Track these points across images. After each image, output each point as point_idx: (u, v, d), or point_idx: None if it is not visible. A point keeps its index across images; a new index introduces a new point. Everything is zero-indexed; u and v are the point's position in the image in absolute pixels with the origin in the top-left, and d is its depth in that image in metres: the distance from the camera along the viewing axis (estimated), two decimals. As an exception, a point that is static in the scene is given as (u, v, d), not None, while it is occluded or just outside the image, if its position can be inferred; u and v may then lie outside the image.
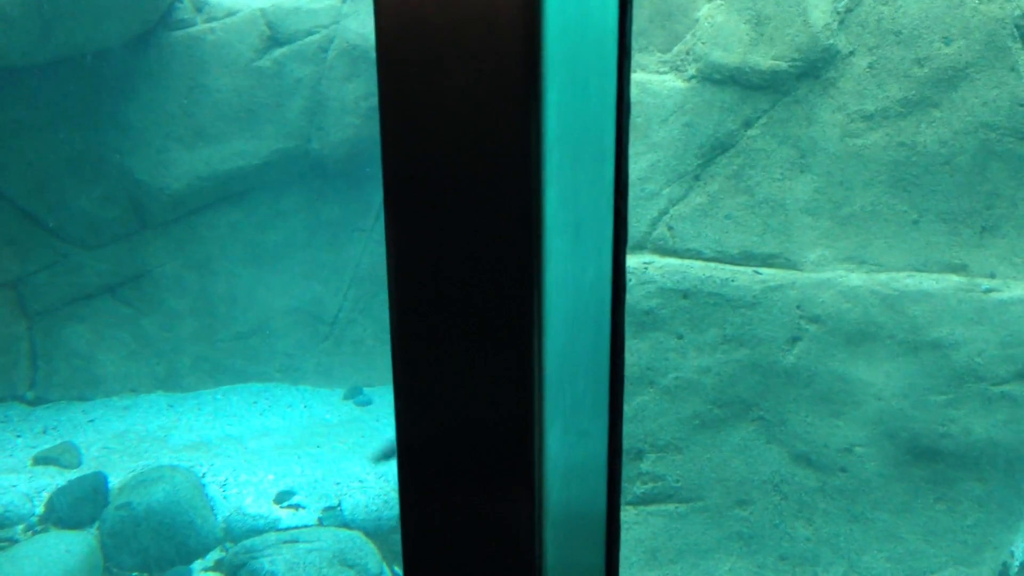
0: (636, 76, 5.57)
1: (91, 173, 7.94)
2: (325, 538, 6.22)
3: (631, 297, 5.50)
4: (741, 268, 5.52)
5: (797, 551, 5.68)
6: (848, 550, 5.63)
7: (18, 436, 7.57)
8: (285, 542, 6.16)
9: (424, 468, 0.81)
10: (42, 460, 7.10)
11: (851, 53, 5.36)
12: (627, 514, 5.71)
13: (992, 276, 5.36)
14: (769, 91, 5.46)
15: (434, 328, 0.78)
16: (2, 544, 6.34)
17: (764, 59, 5.41)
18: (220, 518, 6.50)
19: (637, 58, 5.62)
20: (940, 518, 5.52)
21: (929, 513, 5.53)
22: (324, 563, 6.03)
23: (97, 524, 6.42)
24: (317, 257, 8.46)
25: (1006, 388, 5.36)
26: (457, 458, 0.79)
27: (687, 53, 5.58)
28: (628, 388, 5.61)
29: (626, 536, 5.67)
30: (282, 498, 6.62)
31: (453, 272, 0.76)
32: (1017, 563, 5.60)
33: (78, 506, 6.51)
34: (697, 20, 5.56)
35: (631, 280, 5.52)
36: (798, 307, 5.47)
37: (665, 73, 5.61)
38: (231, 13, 7.98)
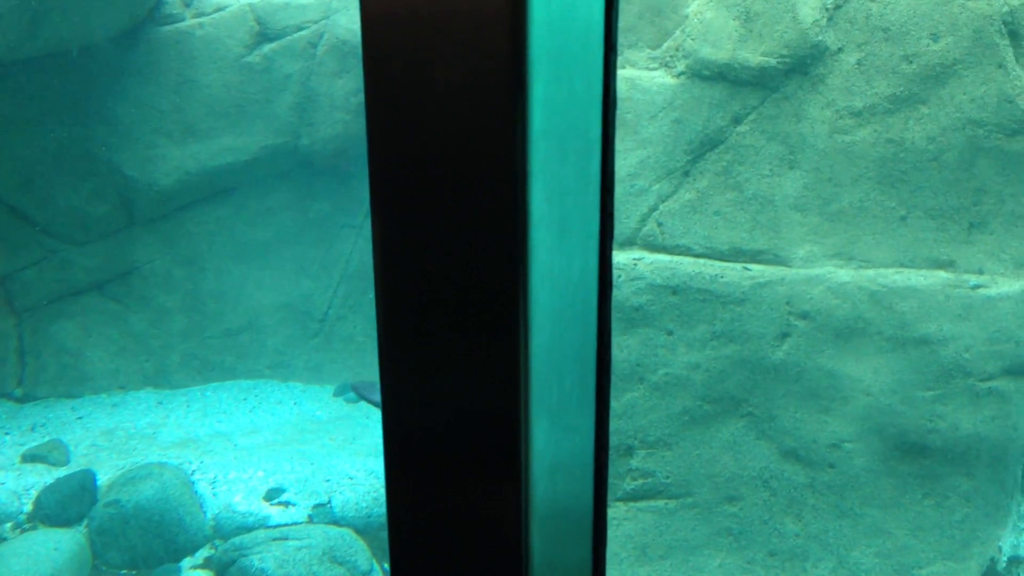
0: (625, 72, 5.57)
1: (79, 169, 7.90)
2: (315, 535, 6.22)
3: (620, 293, 5.51)
4: (730, 264, 5.53)
5: (786, 547, 5.70)
6: (837, 546, 5.66)
7: (6, 434, 7.53)
8: (275, 539, 6.15)
9: (411, 463, 0.81)
10: (30, 458, 7.07)
11: (840, 50, 5.38)
12: (617, 510, 5.72)
13: (980, 272, 5.39)
14: (758, 87, 5.46)
15: (421, 323, 0.78)
16: (-10, 542, 6.31)
17: (753, 55, 5.42)
18: (209, 515, 6.49)
19: (626, 54, 5.62)
20: (928, 513, 5.55)
21: (917, 508, 5.56)
22: (314, 560, 6.02)
23: (86, 522, 6.40)
24: (307, 253, 8.44)
25: (993, 384, 5.38)
26: (444, 453, 0.79)
27: (676, 49, 5.58)
28: (618, 385, 5.62)
29: (616, 532, 5.68)
30: (272, 495, 6.61)
31: (439, 267, 0.76)
32: (1004, 558, 5.64)
33: (66, 504, 6.48)
34: (686, 16, 5.56)
35: (620, 276, 5.53)
36: (787, 303, 5.48)
37: (654, 69, 5.61)
38: (220, 8, 7.95)
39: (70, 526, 6.39)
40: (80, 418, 7.82)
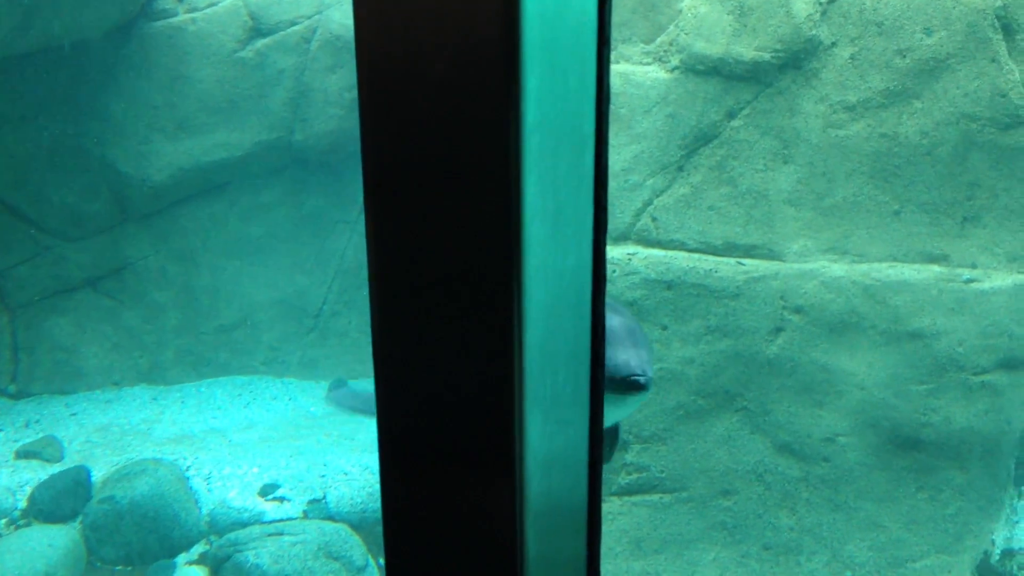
0: (620, 67, 5.57)
1: (72, 165, 7.87)
2: (310, 531, 6.21)
3: (615, 288, 5.51)
4: (724, 259, 5.54)
5: (780, 540, 5.72)
6: (831, 539, 5.67)
7: (0, 430, 7.52)
8: (270, 535, 6.15)
9: (405, 458, 0.81)
10: (24, 454, 7.06)
11: (833, 44, 5.38)
12: (612, 505, 5.73)
13: (973, 266, 5.40)
14: (752, 82, 5.47)
15: (414, 317, 0.77)
16: (-16, 539, 6.30)
17: (747, 50, 5.42)
18: (204, 511, 6.48)
19: (620, 49, 5.62)
20: (922, 507, 5.57)
21: (911, 502, 5.58)
22: (309, 556, 6.02)
23: (80, 518, 6.39)
24: (301, 249, 8.43)
25: (987, 378, 5.40)
26: (438, 448, 0.79)
27: (670, 44, 5.58)
28: (612, 379, 5.61)
29: (611, 527, 5.69)
30: (267, 491, 6.60)
31: (433, 262, 0.76)
32: (998, 551, 5.66)
33: (61, 500, 6.47)
34: (680, 11, 5.56)
35: (615, 271, 5.53)
36: (781, 298, 5.49)
37: (648, 64, 5.61)
38: (213, 3, 7.93)
39: (64, 522, 6.38)
40: (74, 414, 7.80)
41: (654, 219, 5.59)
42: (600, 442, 0.84)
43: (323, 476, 6.74)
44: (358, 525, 6.42)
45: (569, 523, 0.84)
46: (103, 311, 8.21)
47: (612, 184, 5.44)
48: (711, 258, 5.54)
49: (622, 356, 3.05)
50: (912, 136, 5.34)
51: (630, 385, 3.02)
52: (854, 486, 5.60)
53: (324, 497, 6.54)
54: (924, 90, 5.31)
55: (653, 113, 5.55)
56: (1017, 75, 5.26)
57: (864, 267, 5.44)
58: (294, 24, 8.04)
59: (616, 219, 5.57)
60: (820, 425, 5.55)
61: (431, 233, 0.76)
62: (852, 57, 5.36)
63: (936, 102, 5.31)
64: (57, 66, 7.63)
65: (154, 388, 8.28)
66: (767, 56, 5.40)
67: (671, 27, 5.59)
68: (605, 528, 5.59)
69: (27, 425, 7.59)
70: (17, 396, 8.09)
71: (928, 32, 5.28)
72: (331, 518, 6.43)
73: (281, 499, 6.54)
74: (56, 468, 6.80)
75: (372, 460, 6.95)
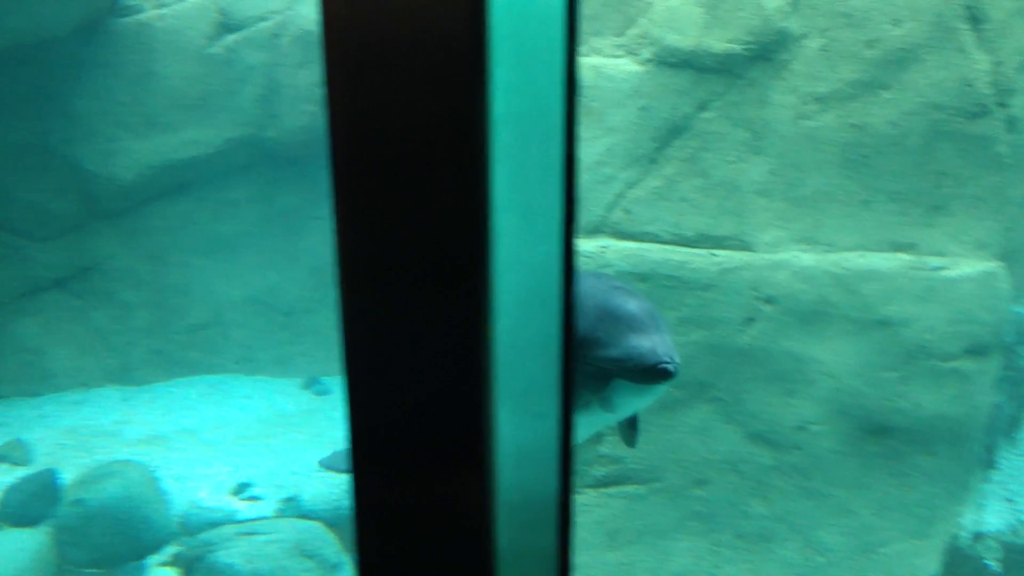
0: (591, 60, 5.57)
1: (39, 164, 7.77)
2: (283, 529, 6.18)
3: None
4: (697, 250, 5.56)
5: (754, 528, 5.76)
6: (803, 526, 5.73)
7: (-33, 433, 7.41)
8: (243, 534, 6.10)
9: (376, 453, 0.80)
10: (-8, 457, 6.97)
11: (803, 35, 5.41)
12: (586, 497, 5.75)
13: (941, 254, 5.46)
14: (723, 74, 5.49)
15: (383, 311, 0.77)
16: (-47, 543, 6.21)
17: (718, 42, 5.44)
18: (176, 512, 6.43)
19: (592, 42, 5.62)
20: (892, 492, 5.63)
21: (882, 488, 5.64)
22: (283, 554, 5.99)
23: (50, 521, 6.31)
24: (273, 246, 8.37)
25: (955, 364, 5.47)
26: (409, 442, 0.79)
27: (642, 36, 5.59)
28: (587, 372, 5.62)
29: (586, 518, 5.71)
30: (239, 490, 6.56)
31: (402, 255, 0.76)
32: (966, 534, 5.74)
33: (30, 503, 6.39)
34: (651, 3, 5.57)
35: (588, 264, 5.54)
36: (753, 288, 5.52)
37: (620, 57, 5.62)
38: (180, -1, 7.85)
39: (34, 526, 6.31)
40: (42, 416, 7.70)
41: (627, 211, 5.60)
42: (571, 432, 0.84)
43: (296, 474, 6.71)
44: (332, 522, 6.39)
45: (541, 515, 0.84)
46: (71, 311, 8.11)
47: (584, 177, 5.45)
48: (684, 250, 5.56)
49: (647, 343, 2.77)
50: (881, 126, 5.39)
51: (659, 374, 2.77)
52: (826, 473, 5.65)
53: (297, 495, 6.51)
54: (893, 80, 5.36)
55: (625, 106, 5.56)
56: (984, 65, 5.33)
57: (834, 256, 5.48)
58: (264, 20, 7.98)
59: (589, 212, 5.58)
60: (792, 414, 5.60)
61: (399, 227, 0.75)
62: (822, 48, 5.40)
63: (904, 92, 5.36)
64: (23, 64, 7.52)
65: (124, 389, 8.19)
66: (738, 48, 5.43)
67: (642, 20, 5.60)
68: (580, 520, 5.61)
69: (-5, 428, 7.49)
70: (-15, 398, 7.98)
71: (896, 23, 5.33)
72: (305, 516, 6.40)
73: (254, 498, 6.50)
74: (24, 471, 6.72)
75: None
